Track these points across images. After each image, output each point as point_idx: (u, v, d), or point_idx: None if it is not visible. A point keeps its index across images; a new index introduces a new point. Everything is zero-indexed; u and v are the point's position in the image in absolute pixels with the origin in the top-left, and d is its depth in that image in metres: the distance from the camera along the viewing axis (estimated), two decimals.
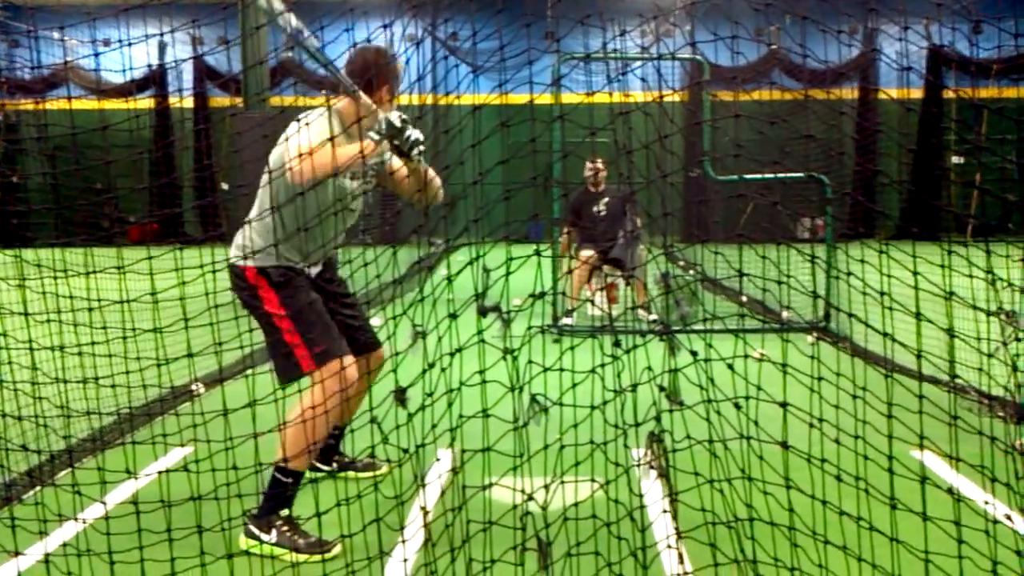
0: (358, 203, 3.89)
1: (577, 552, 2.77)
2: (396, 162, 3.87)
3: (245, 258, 3.60)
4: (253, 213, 3.71)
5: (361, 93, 3.54)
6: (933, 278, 2.66)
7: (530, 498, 2.78)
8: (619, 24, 3.27)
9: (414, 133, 3.40)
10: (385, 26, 3.05)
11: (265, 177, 3.55)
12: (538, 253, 2.77)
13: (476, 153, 2.91)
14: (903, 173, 16.58)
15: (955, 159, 17.34)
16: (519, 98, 3.04)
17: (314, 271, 3.82)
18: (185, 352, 3.06)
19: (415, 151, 3.41)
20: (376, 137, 3.36)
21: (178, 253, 3.09)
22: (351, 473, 4.39)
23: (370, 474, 4.38)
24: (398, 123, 3.37)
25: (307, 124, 3.44)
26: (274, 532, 3.51)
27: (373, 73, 3.65)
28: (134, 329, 3.27)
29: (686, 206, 13.83)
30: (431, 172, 3.74)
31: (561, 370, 2.72)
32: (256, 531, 3.52)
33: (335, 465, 4.41)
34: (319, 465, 4.38)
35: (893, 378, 2.72)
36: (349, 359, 3.62)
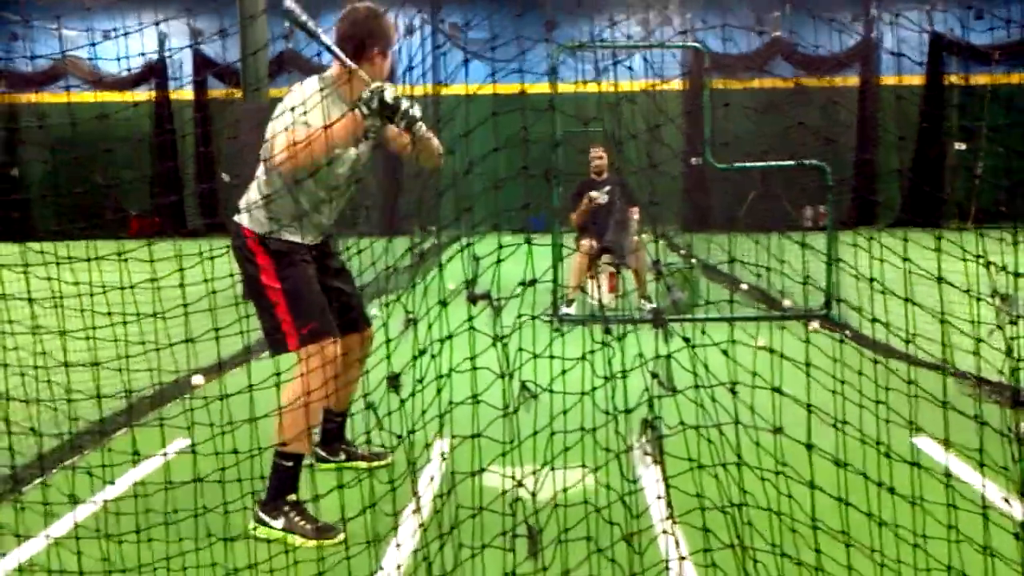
0: (360, 171, 3.88)
1: (567, 538, 2.77)
2: (393, 128, 3.84)
3: (250, 215, 3.61)
4: (255, 189, 3.69)
5: (355, 67, 3.51)
6: (931, 265, 2.65)
7: (520, 484, 2.78)
8: (619, 13, 3.25)
9: (409, 107, 3.32)
10: (378, 11, 3.03)
11: (265, 150, 3.53)
12: (529, 242, 2.75)
13: (467, 142, 2.91)
14: (904, 160, 16.54)
15: (958, 145, 17.30)
16: (516, 87, 3.02)
17: (313, 242, 3.80)
18: (182, 347, 3.07)
19: (415, 127, 3.36)
20: (366, 111, 3.28)
21: (177, 248, 3.09)
22: (353, 463, 4.37)
23: (377, 463, 4.34)
24: (390, 99, 3.28)
25: (302, 105, 3.38)
26: (282, 518, 3.54)
27: (362, 33, 3.59)
28: (125, 323, 3.27)
29: (686, 194, 13.83)
30: (429, 134, 3.66)
31: (551, 357, 2.72)
32: (265, 517, 3.55)
33: (343, 456, 4.40)
34: (328, 457, 4.37)
35: (887, 366, 2.72)
36: (338, 343, 3.64)
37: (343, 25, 3.65)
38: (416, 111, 3.34)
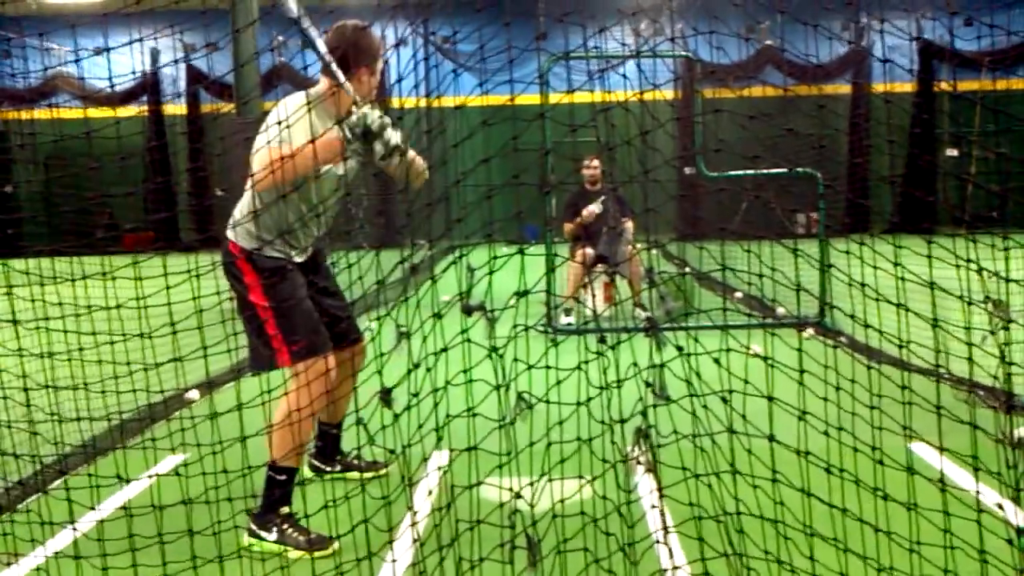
0: (348, 186, 3.84)
1: (565, 549, 2.77)
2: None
3: (236, 231, 3.59)
4: (243, 205, 3.67)
5: (345, 82, 3.47)
6: (923, 271, 2.67)
7: (518, 496, 2.78)
8: (608, 23, 3.26)
9: (392, 137, 3.28)
10: (365, 27, 3.04)
11: (254, 166, 3.47)
12: (522, 252, 2.76)
13: (460, 153, 2.92)
14: (897, 167, 16.60)
15: (950, 152, 17.34)
16: (506, 98, 3.03)
17: (300, 259, 3.76)
18: (178, 363, 3.06)
19: (393, 157, 3.33)
20: (350, 136, 3.27)
21: (163, 259, 3.09)
22: (349, 473, 4.36)
23: (372, 474, 4.31)
24: (376, 128, 3.25)
25: (286, 121, 3.34)
26: (275, 531, 3.55)
27: (349, 48, 3.51)
28: (124, 335, 3.27)
29: (680, 204, 13.86)
30: (412, 154, 3.65)
31: (547, 367, 2.72)
32: (258, 530, 3.56)
33: (338, 467, 4.41)
34: (323, 467, 4.38)
35: (880, 371, 2.73)
36: (331, 358, 3.63)
37: (330, 39, 3.59)
38: (398, 137, 3.30)
